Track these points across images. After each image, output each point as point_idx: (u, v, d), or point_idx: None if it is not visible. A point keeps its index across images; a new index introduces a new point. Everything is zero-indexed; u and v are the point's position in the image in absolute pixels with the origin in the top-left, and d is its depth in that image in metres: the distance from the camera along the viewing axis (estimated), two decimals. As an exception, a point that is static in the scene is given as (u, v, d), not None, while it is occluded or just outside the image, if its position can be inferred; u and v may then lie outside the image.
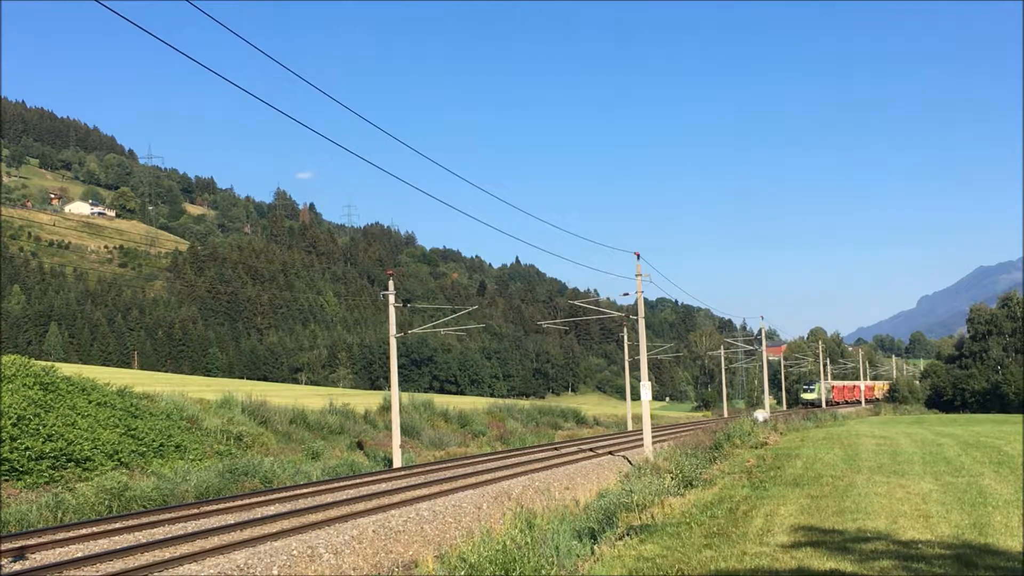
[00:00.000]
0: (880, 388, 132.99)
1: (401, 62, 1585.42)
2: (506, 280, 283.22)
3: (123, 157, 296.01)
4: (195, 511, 22.21)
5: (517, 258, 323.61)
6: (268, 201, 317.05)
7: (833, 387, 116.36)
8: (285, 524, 20.05)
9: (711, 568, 11.61)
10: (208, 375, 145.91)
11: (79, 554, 16.90)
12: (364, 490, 26.81)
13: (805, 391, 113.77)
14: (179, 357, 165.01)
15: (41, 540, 18.05)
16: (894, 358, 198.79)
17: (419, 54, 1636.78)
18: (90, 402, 31.10)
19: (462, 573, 12.89)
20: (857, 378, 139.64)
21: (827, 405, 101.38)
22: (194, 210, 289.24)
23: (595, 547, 15.25)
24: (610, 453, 40.32)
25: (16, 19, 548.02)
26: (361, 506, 22.96)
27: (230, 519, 21.22)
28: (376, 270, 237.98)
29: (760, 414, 56.72)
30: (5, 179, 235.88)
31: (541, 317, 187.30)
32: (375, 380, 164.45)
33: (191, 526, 20.27)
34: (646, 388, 38.94)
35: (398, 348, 40.64)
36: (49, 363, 34.96)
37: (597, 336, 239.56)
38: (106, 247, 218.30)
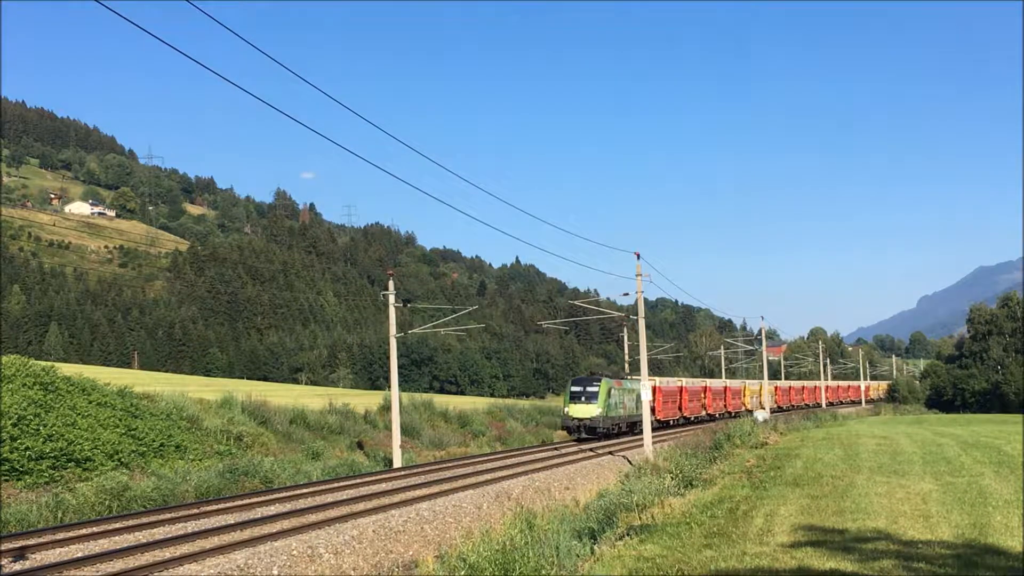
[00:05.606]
0: (753, 391, 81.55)
1: (401, 62, 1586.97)
2: (506, 280, 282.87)
3: (123, 157, 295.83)
4: (195, 511, 22.21)
5: (517, 258, 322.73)
6: (268, 201, 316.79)
7: (657, 390, 54.10)
8: (285, 524, 20.05)
9: (711, 568, 11.61)
10: (208, 375, 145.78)
11: (79, 554, 16.91)
12: (364, 490, 26.81)
13: (575, 400, 47.73)
14: (179, 357, 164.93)
15: (41, 540, 18.05)
16: (894, 358, 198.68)
17: (419, 54, 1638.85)
18: (90, 402, 31.07)
19: (462, 573, 12.91)
20: (857, 378, 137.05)
21: (626, 429, 51.56)
22: (194, 210, 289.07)
23: (595, 547, 15.25)
24: (610, 453, 40.35)
25: (16, 19, 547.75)
26: (361, 506, 22.96)
27: (230, 519, 21.22)
28: (376, 270, 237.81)
29: (760, 414, 56.76)
30: (5, 179, 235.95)
31: (541, 317, 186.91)
32: (375, 380, 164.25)
33: (191, 526, 20.27)
34: (646, 388, 38.99)
35: (398, 348, 40.63)
36: (49, 363, 34.94)
37: (597, 336, 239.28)
38: (106, 247, 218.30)
